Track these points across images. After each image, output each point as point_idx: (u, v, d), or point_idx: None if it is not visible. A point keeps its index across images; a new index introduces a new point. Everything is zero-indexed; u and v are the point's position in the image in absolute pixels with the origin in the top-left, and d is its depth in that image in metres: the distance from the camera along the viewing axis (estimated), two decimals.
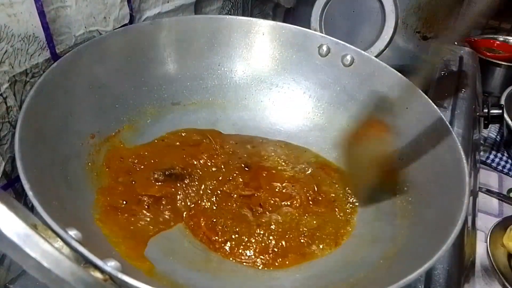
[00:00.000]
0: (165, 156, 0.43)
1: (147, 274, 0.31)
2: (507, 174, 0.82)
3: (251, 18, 0.52)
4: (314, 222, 0.39)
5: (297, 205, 0.41)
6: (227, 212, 0.39)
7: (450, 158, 0.37)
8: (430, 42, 0.63)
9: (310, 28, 0.52)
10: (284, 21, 0.53)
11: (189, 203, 0.39)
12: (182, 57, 0.49)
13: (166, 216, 0.38)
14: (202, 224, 0.38)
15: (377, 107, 0.41)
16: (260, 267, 0.35)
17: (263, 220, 0.39)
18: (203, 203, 0.39)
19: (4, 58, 0.33)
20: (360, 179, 0.43)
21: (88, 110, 0.39)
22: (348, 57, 0.49)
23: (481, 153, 0.84)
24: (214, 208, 0.39)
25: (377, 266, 0.33)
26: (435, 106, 0.41)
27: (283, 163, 0.46)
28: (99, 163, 0.39)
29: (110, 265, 0.23)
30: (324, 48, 0.50)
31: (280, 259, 0.36)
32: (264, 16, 0.73)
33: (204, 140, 0.46)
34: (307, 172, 0.45)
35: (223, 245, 0.36)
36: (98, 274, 0.22)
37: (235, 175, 0.43)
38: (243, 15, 0.67)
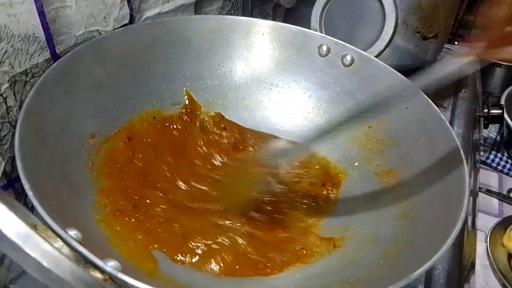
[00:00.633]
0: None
1: (148, 275, 0.31)
2: (507, 174, 0.82)
3: (251, 18, 0.52)
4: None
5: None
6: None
7: (450, 158, 0.37)
8: (430, 42, 0.63)
9: (310, 28, 0.52)
10: (284, 21, 0.52)
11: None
12: (182, 57, 0.49)
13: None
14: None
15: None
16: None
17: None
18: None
19: (4, 58, 0.33)
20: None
21: (88, 110, 0.39)
22: (348, 57, 0.49)
23: (481, 153, 0.84)
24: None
25: (377, 266, 0.33)
26: (435, 106, 0.41)
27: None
28: (99, 163, 0.39)
29: (110, 265, 0.23)
30: (324, 48, 0.50)
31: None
32: (264, 16, 0.73)
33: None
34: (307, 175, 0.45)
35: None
36: (98, 274, 0.22)
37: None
38: (243, 15, 0.67)
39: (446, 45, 0.70)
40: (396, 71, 0.46)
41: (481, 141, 0.86)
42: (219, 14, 0.61)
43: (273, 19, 0.66)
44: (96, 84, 0.41)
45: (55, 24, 0.37)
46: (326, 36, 0.50)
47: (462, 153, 0.36)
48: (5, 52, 0.32)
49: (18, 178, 0.29)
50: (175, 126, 0.47)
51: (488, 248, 0.64)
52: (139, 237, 0.35)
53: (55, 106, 0.35)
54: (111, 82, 0.42)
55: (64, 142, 0.35)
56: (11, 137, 0.35)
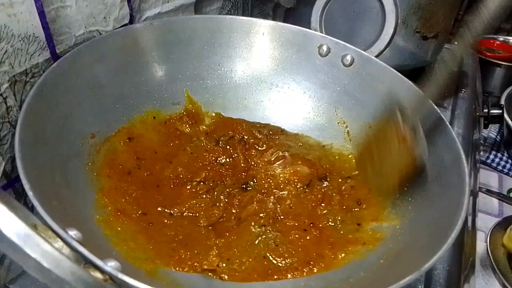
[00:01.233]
0: None
1: (148, 275, 0.31)
2: (507, 174, 0.82)
3: (251, 18, 0.52)
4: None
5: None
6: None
7: (450, 158, 0.37)
8: (430, 42, 0.63)
9: (310, 28, 0.52)
10: (284, 21, 0.52)
11: None
12: (182, 57, 0.49)
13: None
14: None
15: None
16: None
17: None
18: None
19: (4, 58, 0.33)
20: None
21: (88, 110, 0.39)
22: (348, 57, 0.49)
23: (481, 153, 0.84)
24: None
25: (377, 266, 0.33)
26: (435, 106, 0.41)
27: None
28: (99, 163, 0.39)
29: (110, 265, 0.23)
30: (324, 48, 0.50)
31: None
32: (264, 16, 0.73)
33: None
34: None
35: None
36: (98, 274, 0.22)
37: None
38: (243, 15, 0.67)
39: (446, 45, 0.70)
40: (396, 71, 0.46)
41: (481, 141, 0.86)
42: (219, 14, 0.61)
43: (273, 19, 0.66)
44: (96, 84, 0.41)
45: (55, 24, 0.37)
46: (326, 36, 0.50)
47: (462, 153, 0.36)
48: (5, 52, 0.32)
49: (18, 178, 0.29)
50: (176, 126, 0.47)
51: (488, 248, 0.64)
52: (140, 237, 0.35)
53: (55, 106, 0.35)
54: (111, 82, 0.42)
55: (64, 142, 0.35)
56: (11, 137, 0.35)
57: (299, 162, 0.45)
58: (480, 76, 0.84)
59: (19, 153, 0.28)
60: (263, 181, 0.43)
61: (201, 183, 0.42)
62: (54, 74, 0.35)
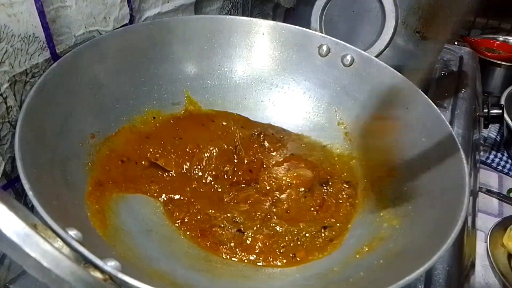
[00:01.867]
0: None
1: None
2: (507, 174, 0.82)
3: (251, 18, 0.52)
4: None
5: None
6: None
7: (450, 158, 0.37)
8: (430, 42, 0.63)
9: (310, 28, 0.52)
10: (284, 21, 0.53)
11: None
12: (182, 57, 0.49)
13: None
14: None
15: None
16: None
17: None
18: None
19: (4, 58, 0.33)
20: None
21: (88, 110, 0.39)
22: (348, 57, 0.49)
23: (481, 153, 0.84)
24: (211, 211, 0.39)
25: (377, 266, 0.33)
26: (435, 106, 0.41)
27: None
28: (99, 163, 0.39)
29: (110, 265, 0.23)
30: (324, 48, 0.50)
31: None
32: (264, 16, 0.73)
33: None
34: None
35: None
36: (98, 274, 0.22)
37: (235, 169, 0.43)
38: (243, 15, 0.67)
39: (446, 45, 0.70)
40: (396, 71, 0.46)
41: (481, 141, 0.86)
42: (219, 14, 0.61)
43: (273, 19, 0.66)
44: (96, 84, 0.41)
45: (55, 24, 0.37)
46: (326, 36, 0.50)
47: (462, 153, 0.36)
48: (5, 52, 0.32)
49: (18, 178, 0.29)
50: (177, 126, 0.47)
51: (488, 248, 0.64)
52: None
53: (55, 106, 0.35)
54: (111, 82, 0.42)
55: (64, 142, 0.35)
56: (11, 137, 0.35)
57: (302, 165, 0.45)
58: (480, 76, 0.84)
59: (19, 153, 0.28)
60: (265, 182, 0.43)
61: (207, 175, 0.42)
62: (54, 74, 0.35)
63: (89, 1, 0.39)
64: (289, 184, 0.43)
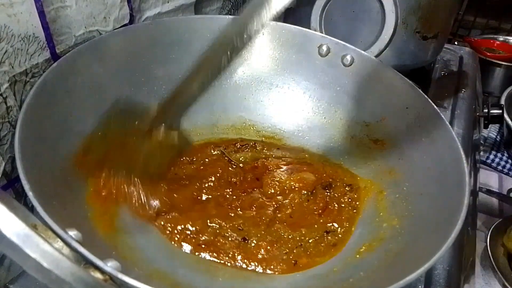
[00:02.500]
0: None
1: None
2: (507, 174, 0.82)
3: None
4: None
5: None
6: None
7: (450, 158, 0.37)
8: (430, 42, 0.63)
9: (310, 28, 0.52)
10: (284, 21, 0.52)
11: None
12: (182, 57, 0.49)
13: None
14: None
15: None
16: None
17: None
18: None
19: (4, 58, 0.33)
20: None
21: (88, 110, 0.39)
22: (348, 57, 0.49)
23: (481, 153, 0.84)
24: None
25: (377, 266, 0.33)
26: (435, 106, 0.41)
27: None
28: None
29: (110, 265, 0.23)
30: (324, 48, 0.50)
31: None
32: None
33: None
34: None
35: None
36: (98, 274, 0.22)
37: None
38: None
39: (446, 45, 0.70)
40: (396, 71, 0.46)
41: (481, 141, 0.86)
42: (219, 14, 0.61)
43: (273, 19, 0.66)
44: (96, 84, 0.41)
45: (55, 24, 0.37)
46: (326, 36, 0.50)
47: (462, 153, 0.36)
48: (5, 52, 0.32)
49: (18, 178, 0.29)
50: None
51: (488, 248, 0.64)
52: None
53: (55, 106, 0.35)
54: (111, 82, 0.42)
55: (64, 142, 0.35)
56: (11, 137, 0.35)
57: (305, 168, 0.45)
58: (480, 76, 0.84)
59: (19, 153, 0.28)
60: (268, 186, 0.43)
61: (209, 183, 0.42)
62: (54, 74, 0.35)
63: (89, 1, 0.39)
64: (292, 188, 0.43)
